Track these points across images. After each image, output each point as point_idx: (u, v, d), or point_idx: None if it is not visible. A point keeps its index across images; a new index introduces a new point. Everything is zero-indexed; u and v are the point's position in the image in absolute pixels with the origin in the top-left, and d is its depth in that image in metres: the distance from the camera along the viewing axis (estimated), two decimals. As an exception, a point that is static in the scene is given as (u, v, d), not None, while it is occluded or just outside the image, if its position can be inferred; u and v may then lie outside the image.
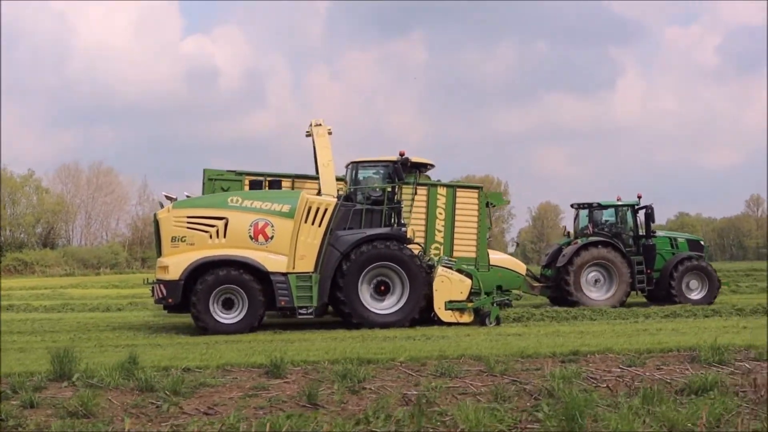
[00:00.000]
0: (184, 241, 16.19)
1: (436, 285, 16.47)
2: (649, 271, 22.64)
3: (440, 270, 16.27)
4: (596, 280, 22.43)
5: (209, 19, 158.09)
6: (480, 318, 16.22)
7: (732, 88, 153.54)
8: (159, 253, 16.37)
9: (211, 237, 16.17)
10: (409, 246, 16.88)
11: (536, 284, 23.08)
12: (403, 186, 17.75)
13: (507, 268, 21.92)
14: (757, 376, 8.25)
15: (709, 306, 20.09)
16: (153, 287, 16.12)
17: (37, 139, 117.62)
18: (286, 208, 15.98)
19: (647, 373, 8.84)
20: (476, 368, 9.40)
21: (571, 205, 24.49)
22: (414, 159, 16.82)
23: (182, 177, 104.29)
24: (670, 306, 20.36)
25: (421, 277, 16.20)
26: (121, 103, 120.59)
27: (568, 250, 22.52)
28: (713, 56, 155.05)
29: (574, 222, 24.38)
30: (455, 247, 20.89)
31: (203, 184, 19.08)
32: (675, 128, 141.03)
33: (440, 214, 21.08)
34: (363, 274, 16.26)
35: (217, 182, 18.97)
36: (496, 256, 22.22)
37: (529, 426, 6.62)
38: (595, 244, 22.37)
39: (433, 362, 9.77)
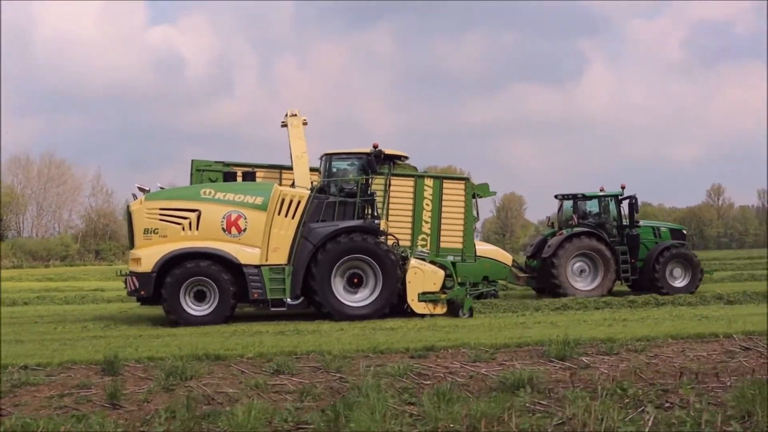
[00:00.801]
0: (157, 233, 16.58)
1: (409, 277, 17.01)
2: (633, 260, 23.41)
3: (413, 262, 16.76)
4: (582, 271, 23.13)
5: (175, 9, 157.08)
6: (453, 309, 16.27)
7: (697, 81, 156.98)
8: (132, 245, 16.92)
9: (183, 229, 16.59)
10: (383, 238, 16.99)
11: (522, 275, 23.91)
12: (378, 178, 17.78)
13: (493, 259, 22.75)
14: (582, 372, 8.63)
15: (601, 298, 21.16)
16: (126, 279, 16.26)
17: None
18: (259, 200, 16.40)
19: (483, 370, 9.10)
20: (313, 365, 9.75)
21: (555, 196, 25.23)
22: (387, 151, 17.47)
23: (149, 167, 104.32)
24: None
25: (394, 269, 16.78)
26: (87, 93, 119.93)
27: (553, 241, 23.21)
28: (678, 50, 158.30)
29: (558, 213, 25.11)
30: (442, 238, 21.59)
31: (191, 175, 19.44)
32: (641, 120, 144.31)
33: (427, 205, 21.65)
34: (336, 266, 16.76)
35: (205, 173, 19.27)
36: (482, 247, 23.16)
37: (301, 426, 6.66)
38: (580, 234, 23.06)
39: (278, 358, 9.99)
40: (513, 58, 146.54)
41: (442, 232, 21.74)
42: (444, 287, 17.36)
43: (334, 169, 17.65)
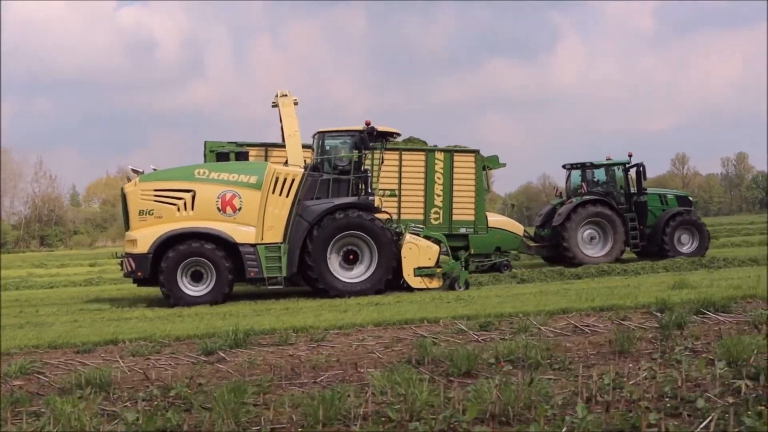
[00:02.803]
0: (152, 214, 17.95)
1: (404, 252, 18.49)
2: (642, 227, 25.19)
3: (408, 237, 17.96)
4: (592, 238, 24.77)
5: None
6: (449, 283, 17.02)
7: (669, 53, 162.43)
8: (127, 227, 18.32)
9: (178, 210, 18.11)
10: (378, 214, 18.22)
11: (533, 244, 25.68)
12: (372, 154, 18.60)
13: (505, 230, 24.21)
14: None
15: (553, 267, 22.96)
16: (122, 261, 16.89)
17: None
18: (253, 180, 17.24)
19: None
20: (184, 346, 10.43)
21: (563, 166, 27.11)
22: (380, 128, 19.21)
23: (123, 148, 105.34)
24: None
25: (388, 245, 18.34)
26: (56, 75, 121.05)
27: (563, 209, 24.95)
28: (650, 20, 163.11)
29: (566, 182, 26.93)
30: (454, 211, 23.28)
31: (204, 156, 21.01)
32: (613, 93, 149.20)
33: (438, 178, 23.17)
34: (331, 243, 18.20)
35: (220, 154, 20.13)
36: (494, 218, 24.77)
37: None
38: (590, 202, 24.73)
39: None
40: (485, 33, 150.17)
41: (454, 205, 23.34)
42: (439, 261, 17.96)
43: (327, 147, 18.40)
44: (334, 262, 18.04)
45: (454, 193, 23.25)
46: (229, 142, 20.84)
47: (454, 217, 23.23)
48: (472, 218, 23.37)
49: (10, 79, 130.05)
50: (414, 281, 18.23)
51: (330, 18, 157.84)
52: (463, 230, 23.31)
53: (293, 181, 17.99)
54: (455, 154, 23.57)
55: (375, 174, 19.62)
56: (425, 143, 24.39)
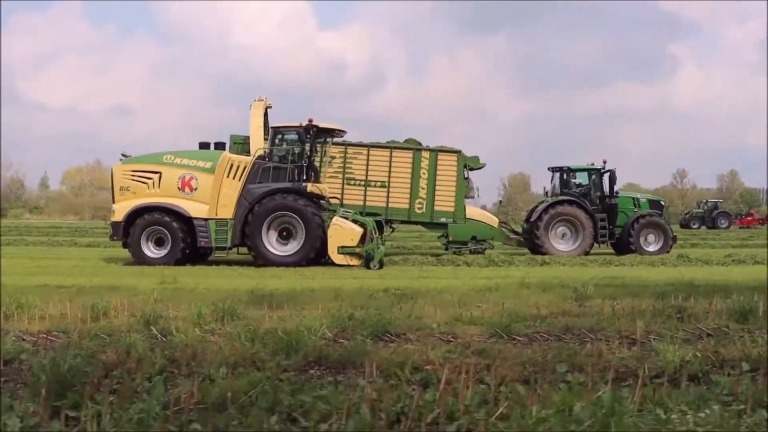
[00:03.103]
0: (129, 190, 21.59)
1: (330, 232, 21.33)
2: (611, 226, 27.52)
3: (335, 219, 20.93)
4: (564, 234, 27.25)
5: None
6: (366, 261, 19.52)
7: None
8: (113, 200, 20.88)
9: (149, 187, 21.04)
10: (325, 199, 22.61)
11: (513, 236, 28.81)
12: (324, 147, 23.36)
13: (480, 221, 27.35)
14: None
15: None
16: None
17: None
18: (208, 165, 20.86)
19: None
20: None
21: (548, 168, 29.78)
22: (321, 125, 21.49)
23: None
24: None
25: (315, 225, 20.99)
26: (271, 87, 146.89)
27: (539, 208, 27.85)
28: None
29: (551, 183, 29.51)
30: (436, 202, 26.62)
31: (228, 147, 24.36)
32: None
33: (423, 174, 26.69)
34: (267, 221, 21.34)
35: (241, 145, 24.22)
36: (471, 211, 27.90)
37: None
38: (562, 202, 27.43)
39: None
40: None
41: (436, 197, 26.67)
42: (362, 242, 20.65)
43: (277, 140, 21.25)
44: (271, 237, 21.58)
45: (437, 187, 26.50)
46: (246, 136, 24.36)
47: (436, 208, 26.47)
48: (452, 209, 26.52)
49: (235, 91, 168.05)
50: (337, 258, 21.38)
51: (484, 43, 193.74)
52: (443, 220, 26.62)
53: (245, 168, 21.83)
54: (439, 153, 26.91)
55: (320, 165, 22.79)
56: (420, 143, 27.81)
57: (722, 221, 62.79)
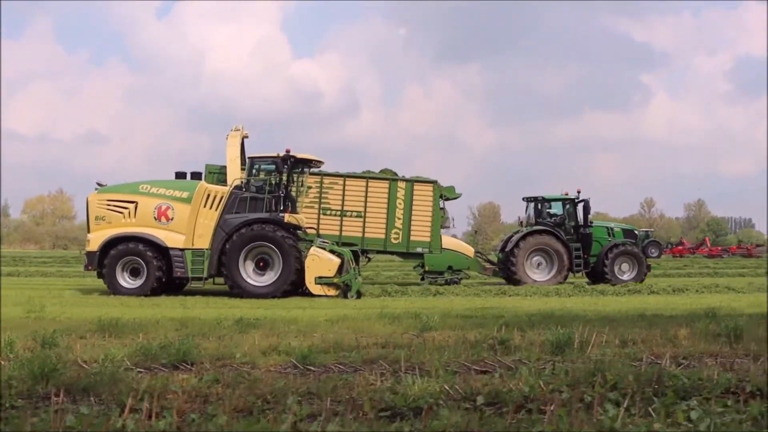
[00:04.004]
0: (105, 219, 21.45)
1: (307, 263, 21.55)
2: (586, 255, 27.89)
3: (312, 250, 21.00)
4: (539, 264, 27.59)
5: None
6: (343, 292, 19.69)
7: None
8: (88, 230, 20.93)
9: (124, 217, 21.21)
10: (302, 229, 22.82)
11: (488, 266, 28.88)
12: (300, 177, 23.53)
13: (456, 251, 27.72)
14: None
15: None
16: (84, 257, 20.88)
17: None
18: (185, 195, 20.97)
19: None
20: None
21: (523, 198, 30.08)
22: (299, 155, 21.59)
23: None
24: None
25: (292, 255, 21.03)
26: (242, 115, 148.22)
27: (514, 238, 28.16)
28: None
29: (526, 213, 29.82)
30: (412, 233, 26.93)
31: (204, 177, 24.69)
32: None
33: (399, 204, 26.97)
34: (244, 251, 21.31)
35: (217, 175, 24.64)
36: (447, 241, 28.18)
37: None
38: (537, 232, 27.74)
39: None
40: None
41: (412, 227, 26.97)
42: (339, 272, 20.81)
43: (254, 170, 21.42)
44: (248, 268, 21.64)
45: (413, 217, 26.86)
46: (222, 166, 24.46)
47: (412, 238, 26.83)
48: (428, 239, 26.87)
49: (208, 118, 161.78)
50: (314, 288, 21.46)
51: (457, 72, 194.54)
52: (419, 250, 26.92)
53: (222, 198, 21.94)
54: (415, 183, 27.27)
55: (297, 195, 23.02)
56: (395, 173, 28.10)
57: (652, 251, 63.86)
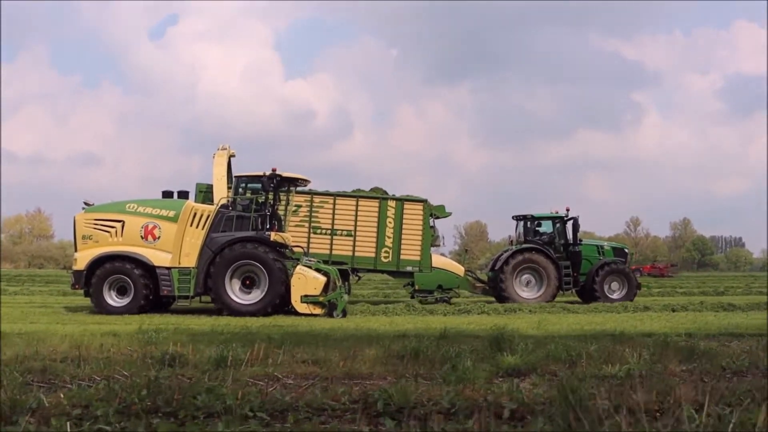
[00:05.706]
0: (92, 238, 21.68)
1: (293, 281, 21.88)
2: (575, 274, 28.35)
3: (298, 268, 21.31)
4: (528, 282, 28.15)
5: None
6: (329, 310, 20.08)
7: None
8: (75, 249, 21.21)
9: (111, 236, 21.63)
10: (288, 248, 23.11)
11: (478, 284, 29.42)
12: (286, 196, 23.88)
13: (446, 270, 28.13)
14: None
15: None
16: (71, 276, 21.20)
17: None
18: (171, 214, 21.33)
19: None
20: None
21: (513, 217, 30.57)
22: (285, 174, 22.03)
23: None
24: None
25: (278, 273, 21.23)
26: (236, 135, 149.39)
27: (503, 256, 28.66)
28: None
29: (516, 231, 30.36)
30: (402, 251, 27.43)
31: (195, 196, 25.34)
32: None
33: (390, 223, 27.45)
34: (230, 269, 21.77)
35: (206, 194, 25.22)
36: (437, 259, 28.61)
37: None
38: (526, 250, 28.27)
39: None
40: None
41: (402, 246, 27.43)
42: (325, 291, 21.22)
43: (240, 189, 21.89)
44: (234, 286, 21.89)
45: (403, 236, 27.31)
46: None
47: (402, 257, 27.24)
48: (418, 258, 27.26)
49: (201, 139, 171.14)
50: (300, 307, 21.64)
51: (448, 93, 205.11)
52: (409, 268, 27.33)
53: (208, 216, 22.24)
54: (405, 202, 27.70)
55: (284, 214, 23.47)
56: (386, 192, 28.54)
57: None
